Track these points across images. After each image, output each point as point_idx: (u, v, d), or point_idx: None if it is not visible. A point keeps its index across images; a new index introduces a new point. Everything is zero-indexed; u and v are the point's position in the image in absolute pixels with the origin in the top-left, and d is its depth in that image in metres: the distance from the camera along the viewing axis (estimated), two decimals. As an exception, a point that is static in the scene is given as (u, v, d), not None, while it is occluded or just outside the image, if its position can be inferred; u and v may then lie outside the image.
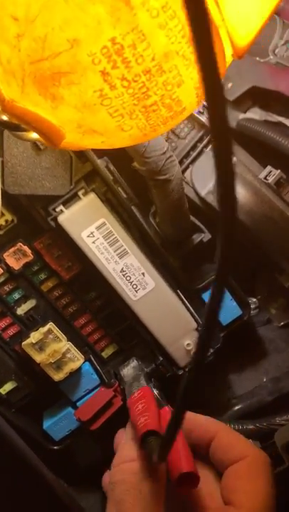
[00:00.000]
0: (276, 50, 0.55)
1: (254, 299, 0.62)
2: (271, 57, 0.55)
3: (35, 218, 0.46)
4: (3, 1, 0.20)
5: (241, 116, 0.61)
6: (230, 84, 0.61)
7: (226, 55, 0.25)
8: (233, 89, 0.61)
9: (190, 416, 0.40)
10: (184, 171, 0.47)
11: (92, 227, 0.44)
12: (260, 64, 0.59)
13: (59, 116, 0.23)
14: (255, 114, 0.62)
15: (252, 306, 0.61)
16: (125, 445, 0.39)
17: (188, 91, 0.24)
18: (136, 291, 0.47)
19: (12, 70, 0.22)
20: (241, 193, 0.43)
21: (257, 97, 0.63)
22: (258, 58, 0.57)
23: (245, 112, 0.62)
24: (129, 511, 0.34)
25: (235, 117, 0.61)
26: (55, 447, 0.54)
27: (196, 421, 0.40)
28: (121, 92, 0.21)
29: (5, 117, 0.24)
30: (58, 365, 0.50)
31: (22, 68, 0.22)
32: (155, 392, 0.46)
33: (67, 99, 0.22)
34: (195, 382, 0.25)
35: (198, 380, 0.25)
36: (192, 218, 0.49)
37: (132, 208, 0.46)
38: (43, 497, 0.46)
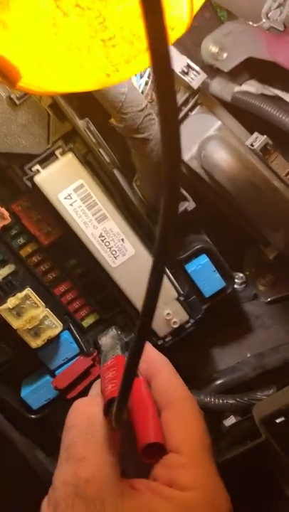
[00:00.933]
0: (269, 14, 0.53)
1: (241, 274, 0.61)
2: (264, 20, 0.53)
3: (13, 179, 0.45)
4: None
5: (236, 88, 0.59)
6: (225, 55, 0.59)
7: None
8: (228, 60, 0.59)
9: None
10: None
11: (69, 188, 0.42)
12: (257, 33, 0.57)
13: (11, 49, 0.21)
14: (252, 86, 0.60)
15: (238, 281, 0.60)
16: (86, 398, 0.39)
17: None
18: (115, 258, 0.46)
19: None
20: (224, 157, 0.42)
21: (253, 68, 0.62)
22: (250, 23, 0.55)
23: (240, 85, 0.60)
24: (78, 455, 0.33)
25: (230, 90, 0.58)
26: (33, 416, 0.53)
27: (148, 350, 0.40)
28: (75, 20, 0.20)
29: None
30: (36, 331, 0.49)
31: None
32: None
33: (19, 29, 0.21)
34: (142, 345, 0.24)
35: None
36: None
37: (115, 172, 0.45)
38: (13, 462, 0.46)
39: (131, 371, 0.29)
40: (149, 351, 0.41)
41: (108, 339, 0.50)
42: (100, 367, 0.49)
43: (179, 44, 0.53)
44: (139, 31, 0.22)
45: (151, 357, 0.40)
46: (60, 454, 0.35)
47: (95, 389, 0.42)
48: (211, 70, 0.59)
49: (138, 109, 0.36)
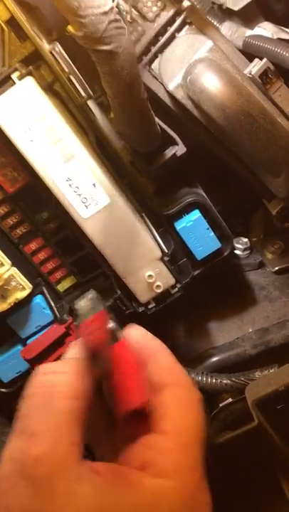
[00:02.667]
0: None
1: (244, 239, 0.54)
2: None
3: None
4: None
5: (248, 32, 0.52)
6: (235, -10, 0.52)
7: None
8: (238, -3, 0.52)
9: (143, 332, 0.37)
10: (151, 62, 0.39)
11: (29, 118, 0.36)
12: None
13: None
14: (266, 29, 0.52)
15: (241, 247, 0.54)
16: (53, 363, 0.34)
17: None
18: (86, 207, 0.39)
19: None
20: (213, 82, 0.34)
21: (268, 9, 0.54)
22: None
23: (252, 29, 0.52)
24: (30, 429, 0.29)
25: (242, 35, 0.51)
26: (4, 390, 0.49)
27: (147, 337, 0.37)
28: None
29: None
30: (2, 293, 0.43)
31: None
32: (112, 324, 0.40)
33: None
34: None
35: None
36: (163, 126, 0.41)
37: (89, 103, 0.38)
38: None
39: None
40: (144, 335, 0.37)
41: (85, 302, 0.44)
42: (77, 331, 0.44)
43: None
44: None
45: (147, 340, 0.37)
46: (12, 428, 0.30)
47: (70, 352, 0.37)
48: (221, 13, 0.52)
49: (100, 11, 0.29)
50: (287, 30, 0.52)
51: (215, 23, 0.52)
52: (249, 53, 0.48)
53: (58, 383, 0.31)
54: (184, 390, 0.33)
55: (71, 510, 0.27)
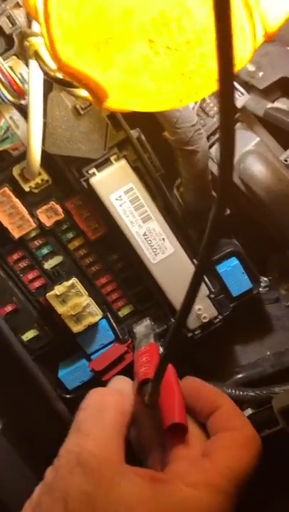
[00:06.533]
0: (306, 40, 0.57)
1: (265, 278, 0.65)
2: (299, 45, 0.58)
3: (68, 180, 0.50)
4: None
5: (269, 105, 0.63)
6: (261, 74, 0.63)
7: (257, 36, 0.29)
8: (263, 79, 0.63)
9: (201, 383, 0.42)
10: (210, 147, 0.50)
11: (120, 190, 0.47)
12: (292, 55, 0.62)
13: (107, 76, 0.26)
14: (284, 104, 0.64)
15: (263, 284, 0.65)
16: (103, 387, 0.42)
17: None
18: (155, 255, 0.51)
19: (71, 34, 0.26)
20: (261, 170, 0.47)
21: (286, 87, 0.66)
22: (288, 48, 0.60)
23: (273, 102, 0.64)
24: (86, 430, 0.35)
25: (263, 106, 0.63)
26: (68, 396, 0.58)
27: (206, 388, 0.42)
28: (163, 58, 0.25)
29: (59, 75, 0.28)
30: (78, 318, 0.54)
31: (80, 33, 0.25)
32: (162, 350, 0.50)
33: (116, 62, 0.26)
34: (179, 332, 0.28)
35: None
36: (213, 193, 0.52)
37: (158, 177, 0.50)
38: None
39: (167, 356, 0.33)
40: (206, 386, 0.42)
41: (142, 328, 0.55)
42: (134, 353, 0.54)
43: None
44: (211, 67, 0.26)
45: (211, 390, 0.41)
46: (70, 430, 0.37)
47: (114, 383, 0.45)
48: (247, 87, 0.64)
49: (190, 125, 0.41)
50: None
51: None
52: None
53: (109, 401, 0.39)
54: (248, 436, 0.37)
55: (114, 496, 0.31)
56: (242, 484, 0.33)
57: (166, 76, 0.26)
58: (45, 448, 0.39)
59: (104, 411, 0.37)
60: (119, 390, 0.41)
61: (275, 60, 0.63)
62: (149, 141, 0.49)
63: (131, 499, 0.31)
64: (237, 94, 0.48)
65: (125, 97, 0.28)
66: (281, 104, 0.64)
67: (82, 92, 0.29)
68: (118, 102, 0.29)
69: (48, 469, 0.35)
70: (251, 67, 0.62)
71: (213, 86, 0.28)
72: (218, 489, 0.32)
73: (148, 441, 0.41)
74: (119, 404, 0.39)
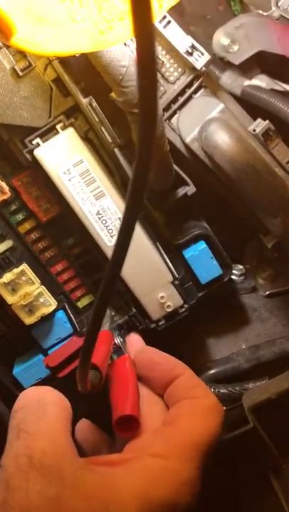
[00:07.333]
0: (279, 2, 0.53)
1: (240, 266, 0.61)
2: (274, 9, 0.53)
3: (14, 154, 0.45)
4: None
5: (246, 82, 0.59)
6: (236, 47, 0.59)
7: None
8: (239, 53, 0.58)
9: (158, 353, 0.41)
10: (170, 117, 0.46)
11: (68, 163, 0.42)
12: (269, 27, 0.57)
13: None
14: (262, 81, 0.60)
15: (237, 273, 0.60)
16: (35, 386, 0.39)
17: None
18: (111, 237, 0.46)
19: None
20: (225, 140, 0.42)
21: (264, 62, 0.61)
22: (260, 11, 0.55)
23: (250, 79, 0.60)
24: (30, 430, 0.31)
25: (240, 84, 0.58)
26: (24, 394, 0.53)
27: (163, 357, 0.40)
28: None
29: None
30: (30, 308, 0.49)
31: None
32: (118, 339, 0.46)
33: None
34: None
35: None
36: (177, 169, 0.48)
37: (115, 151, 0.45)
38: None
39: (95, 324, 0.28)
40: (165, 357, 0.41)
41: None
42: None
43: (188, 31, 0.53)
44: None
45: (171, 359, 0.40)
46: (7, 437, 0.32)
47: None
48: (222, 64, 0.59)
49: (138, 84, 0.36)
50: (279, 82, 0.60)
51: (216, 73, 0.59)
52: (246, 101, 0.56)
53: (47, 395, 0.35)
54: (210, 401, 0.36)
55: (81, 493, 0.28)
56: (208, 452, 0.32)
57: (76, -5, 0.21)
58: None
59: (45, 407, 0.34)
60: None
61: (250, 32, 0.58)
62: (106, 112, 0.44)
63: (100, 491, 0.28)
64: (197, 55, 0.43)
65: (34, 28, 0.23)
66: (259, 80, 0.60)
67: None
68: (29, 38, 0.24)
69: None
70: (226, 41, 0.57)
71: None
72: (187, 457, 0.31)
73: (97, 438, 0.40)
74: (58, 399, 0.35)
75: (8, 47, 0.40)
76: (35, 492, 0.27)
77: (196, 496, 0.30)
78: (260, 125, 0.43)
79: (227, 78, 0.59)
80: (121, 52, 0.36)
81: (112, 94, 0.38)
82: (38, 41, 0.24)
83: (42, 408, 0.33)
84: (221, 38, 0.57)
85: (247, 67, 0.59)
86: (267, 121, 0.44)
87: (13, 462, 0.30)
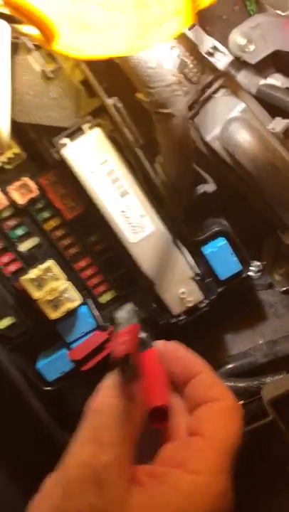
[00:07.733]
0: (296, 2, 0.54)
1: (258, 263, 0.62)
2: (291, 8, 0.54)
3: (42, 154, 0.47)
4: None
5: (262, 81, 0.60)
6: (252, 47, 0.60)
7: None
8: (255, 53, 0.59)
9: (182, 348, 0.41)
10: (193, 117, 0.47)
11: (95, 162, 0.44)
12: (285, 27, 0.58)
13: (51, 4, 0.23)
14: (277, 80, 0.61)
15: (254, 269, 0.61)
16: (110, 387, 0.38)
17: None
18: (135, 234, 0.47)
19: None
20: (246, 138, 0.43)
21: (280, 62, 0.62)
22: (279, 11, 0.56)
23: (266, 78, 0.61)
24: (106, 439, 0.32)
25: (256, 83, 0.59)
26: (48, 388, 0.54)
27: (186, 354, 0.40)
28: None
29: (4, 10, 0.25)
30: (55, 303, 0.50)
31: None
32: (143, 334, 0.47)
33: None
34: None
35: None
36: (197, 168, 0.49)
37: (137, 150, 0.46)
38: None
39: None
40: (185, 351, 0.41)
41: (124, 313, 0.51)
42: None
43: (207, 32, 0.55)
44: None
45: (189, 356, 0.40)
46: (80, 433, 0.33)
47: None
48: (238, 63, 0.60)
49: (164, 84, 0.38)
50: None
51: (232, 72, 0.60)
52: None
53: (122, 406, 0.34)
54: (230, 405, 0.36)
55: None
56: (234, 456, 0.33)
57: (118, 4, 0.23)
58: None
59: (123, 415, 0.34)
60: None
61: (266, 31, 0.59)
62: (130, 113, 0.45)
63: (144, 508, 0.30)
64: (218, 55, 0.45)
65: (77, 34, 0.25)
66: (274, 80, 0.61)
67: (29, 30, 0.26)
68: (70, 43, 0.26)
69: (47, 479, 0.32)
70: (242, 41, 0.58)
71: (177, 19, 0.25)
72: (220, 469, 0.32)
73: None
74: (134, 411, 0.35)
75: (38, 49, 0.41)
76: (85, 504, 0.29)
77: (229, 504, 0.31)
78: (280, 124, 0.45)
79: (243, 77, 0.60)
80: (148, 54, 0.37)
81: (139, 95, 0.39)
82: (78, 46, 0.26)
83: (120, 418, 0.33)
84: (237, 38, 0.58)
85: (262, 67, 0.60)
86: (287, 120, 0.45)
87: (77, 467, 0.31)
